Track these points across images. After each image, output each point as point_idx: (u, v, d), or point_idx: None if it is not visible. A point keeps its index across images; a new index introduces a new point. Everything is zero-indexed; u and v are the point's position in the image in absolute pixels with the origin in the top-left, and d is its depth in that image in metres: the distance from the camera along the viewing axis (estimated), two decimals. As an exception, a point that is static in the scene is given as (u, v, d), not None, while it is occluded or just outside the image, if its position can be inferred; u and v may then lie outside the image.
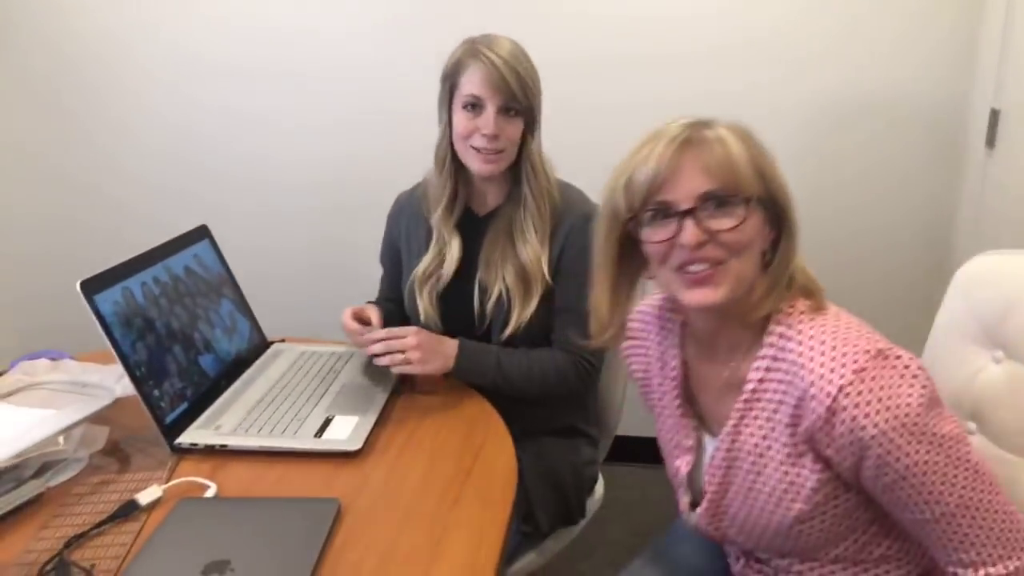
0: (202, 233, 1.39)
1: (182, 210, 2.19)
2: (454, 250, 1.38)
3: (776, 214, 0.88)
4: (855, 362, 0.81)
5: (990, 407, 1.07)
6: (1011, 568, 0.83)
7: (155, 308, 1.22)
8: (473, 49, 1.27)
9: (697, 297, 0.87)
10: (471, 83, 1.26)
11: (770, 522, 0.93)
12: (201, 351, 1.30)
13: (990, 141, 1.81)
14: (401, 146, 1.76)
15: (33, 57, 2.25)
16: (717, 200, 0.84)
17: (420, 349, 1.25)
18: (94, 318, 1.11)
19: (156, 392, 1.16)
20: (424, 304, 1.39)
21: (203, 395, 1.26)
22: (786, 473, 0.89)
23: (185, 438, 1.15)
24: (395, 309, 1.52)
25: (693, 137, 0.85)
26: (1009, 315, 1.05)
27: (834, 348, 0.83)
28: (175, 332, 1.25)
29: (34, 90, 2.29)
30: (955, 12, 1.90)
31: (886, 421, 0.79)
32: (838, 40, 1.96)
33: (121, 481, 1.08)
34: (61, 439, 1.09)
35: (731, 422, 0.93)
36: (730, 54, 2.00)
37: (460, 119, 1.29)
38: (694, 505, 1.02)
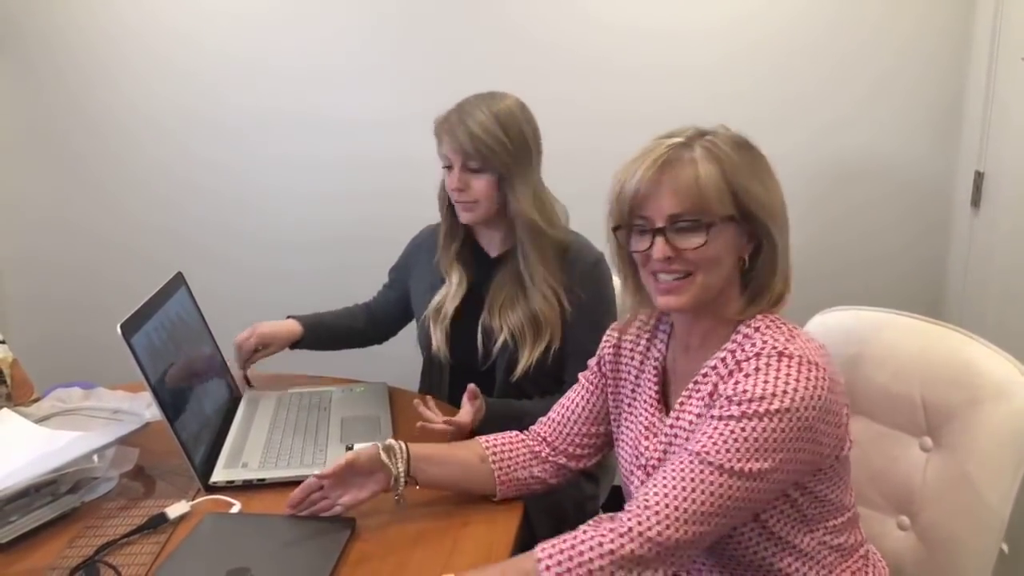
0: (180, 281, 1.43)
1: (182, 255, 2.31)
2: (457, 286, 1.49)
3: (755, 228, 0.96)
4: (773, 349, 0.92)
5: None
6: (630, 525, 0.85)
7: (168, 353, 1.25)
8: (442, 121, 1.44)
9: (665, 302, 0.99)
10: (443, 148, 1.44)
11: None
12: (201, 395, 1.33)
13: (975, 201, 1.91)
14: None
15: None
16: (683, 222, 0.94)
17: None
18: (133, 360, 1.11)
19: (185, 433, 1.19)
20: (436, 336, 1.48)
21: (215, 436, 1.31)
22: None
23: (218, 476, 1.19)
24: (363, 322, 1.65)
25: (672, 159, 0.95)
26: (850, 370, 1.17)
27: (776, 341, 0.93)
28: (186, 376, 1.29)
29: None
30: (942, 81, 2.03)
31: (747, 394, 0.89)
32: (843, 110, 2.09)
33: (149, 499, 1.15)
34: (96, 457, 1.16)
35: (679, 401, 1.01)
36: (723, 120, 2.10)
37: (443, 175, 1.47)
38: None
